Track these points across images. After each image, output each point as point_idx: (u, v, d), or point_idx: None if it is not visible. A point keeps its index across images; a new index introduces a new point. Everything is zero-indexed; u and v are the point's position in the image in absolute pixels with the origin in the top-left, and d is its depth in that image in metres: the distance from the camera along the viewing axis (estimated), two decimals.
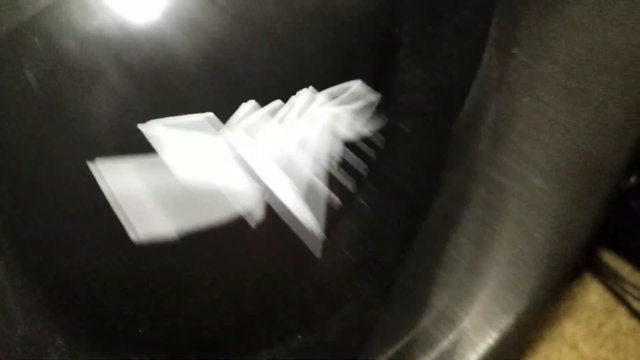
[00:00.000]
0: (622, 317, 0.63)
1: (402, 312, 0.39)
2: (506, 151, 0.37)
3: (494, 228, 0.38)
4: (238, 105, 0.30)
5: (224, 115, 0.30)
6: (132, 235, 0.29)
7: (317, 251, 0.32)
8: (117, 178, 0.29)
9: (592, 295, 0.66)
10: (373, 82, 0.34)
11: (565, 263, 0.38)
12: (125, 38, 0.28)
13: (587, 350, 0.63)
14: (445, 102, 0.36)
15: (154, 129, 0.29)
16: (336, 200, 0.32)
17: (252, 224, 0.30)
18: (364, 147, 0.36)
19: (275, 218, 0.31)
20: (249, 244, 0.31)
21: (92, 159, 0.29)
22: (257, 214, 0.30)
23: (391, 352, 0.39)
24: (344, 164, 0.34)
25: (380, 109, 0.36)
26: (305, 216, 0.31)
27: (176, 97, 0.29)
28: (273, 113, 0.31)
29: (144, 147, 0.29)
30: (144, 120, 0.29)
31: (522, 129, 0.36)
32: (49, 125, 0.28)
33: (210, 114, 0.29)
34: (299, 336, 0.37)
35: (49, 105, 0.28)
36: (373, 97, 0.34)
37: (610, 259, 0.65)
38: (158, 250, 0.29)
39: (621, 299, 0.64)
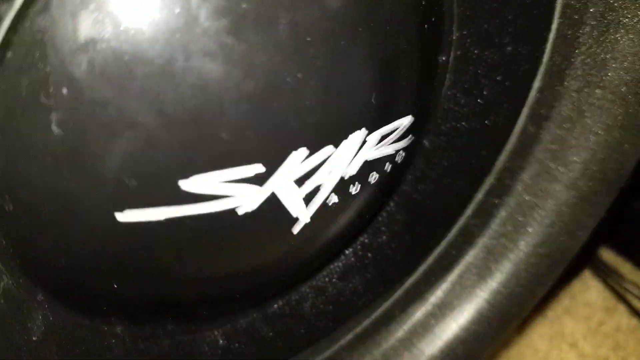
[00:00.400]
0: (622, 316, 0.64)
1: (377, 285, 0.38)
2: (550, 179, 0.35)
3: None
4: (287, 153, 0.27)
5: (273, 165, 0.27)
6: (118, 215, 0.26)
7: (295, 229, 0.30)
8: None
9: (592, 293, 0.66)
10: (420, 113, 0.32)
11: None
12: (165, 83, 0.24)
13: (587, 349, 0.63)
14: (491, 130, 0.34)
15: (196, 184, 0.26)
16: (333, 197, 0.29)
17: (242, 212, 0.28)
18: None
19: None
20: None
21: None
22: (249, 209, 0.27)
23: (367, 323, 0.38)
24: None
25: (425, 138, 0.34)
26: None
27: (219, 145, 0.26)
28: (325, 160, 0.28)
29: (182, 202, 0.26)
30: (185, 176, 0.26)
31: (569, 158, 0.34)
32: (75, 180, 0.25)
33: (259, 166, 0.26)
34: (275, 305, 0.37)
35: (77, 160, 0.24)
36: (406, 119, 0.31)
37: (610, 257, 0.65)
38: (148, 238, 0.27)
39: (621, 298, 0.64)
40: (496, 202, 0.35)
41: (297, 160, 0.27)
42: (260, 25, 0.24)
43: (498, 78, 0.33)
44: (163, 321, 0.34)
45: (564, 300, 0.66)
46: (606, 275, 0.64)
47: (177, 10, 0.23)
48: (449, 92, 0.33)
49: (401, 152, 0.31)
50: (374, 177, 0.30)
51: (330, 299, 0.37)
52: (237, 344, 0.37)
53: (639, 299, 0.63)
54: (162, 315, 0.34)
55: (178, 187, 0.25)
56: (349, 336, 0.39)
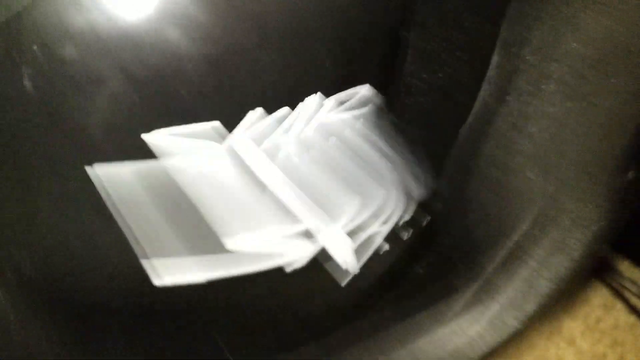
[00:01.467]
0: (620, 313, 0.64)
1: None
2: (512, 152, 0.36)
3: (494, 227, 0.38)
4: (244, 112, 0.29)
5: (231, 122, 0.29)
6: (155, 280, 0.27)
7: (343, 281, 0.31)
8: (116, 184, 0.28)
9: (590, 290, 0.66)
10: (380, 86, 0.33)
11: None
12: (127, 43, 0.26)
13: (585, 346, 0.63)
14: (453, 105, 0.36)
15: (158, 138, 0.28)
16: (385, 245, 0.31)
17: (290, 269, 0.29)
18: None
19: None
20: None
21: (90, 164, 0.28)
22: (298, 266, 0.29)
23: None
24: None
25: (387, 113, 0.35)
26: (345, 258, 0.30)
27: (180, 104, 0.28)
28: (280, 120, 0.30)
29: (146, 156, 0.28)
30: (146, 128, 0.28)
31: (531, 132, 0.36)
32: (47, 131, 0.27)
33: (217, 123, 0.28)
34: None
35: (47, 111, 0.27)
36: (380, 100, 0.33)
37: (609, 255, 0.65)
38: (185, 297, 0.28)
39: (619, 295, 0.64)
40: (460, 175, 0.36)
41: (254, 119, 0.29)
42: None
43: (457, 53, 0.34)
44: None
45: (562, 298, 0.65)
46: (604, 273, 0.64)
47: None
48: (411, 68, 0.35)
49: (361, 119, 0.33)
50: (332, 141, 0.32)
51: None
52: None
53: (637, 297, 0.63)
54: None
55: (141, 140, 0.28)
56: None
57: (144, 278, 0.26)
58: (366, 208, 0.29)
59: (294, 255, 0.28)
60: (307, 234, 0.28)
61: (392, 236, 0.32)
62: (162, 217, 0.27)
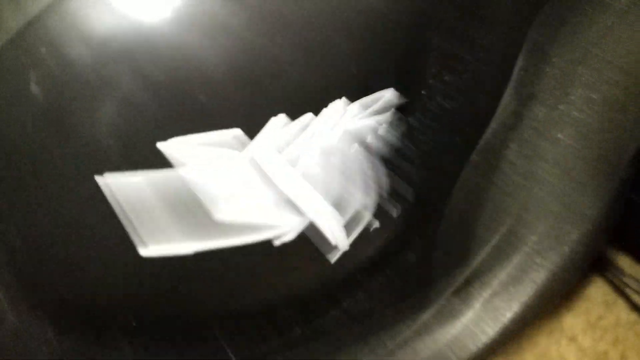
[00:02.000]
0: (622, 310, 0.63)
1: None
2: (536, 159, 0.35)
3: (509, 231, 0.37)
4: (267, 119, 0.27)
5: (252, 129, 0.27)
6: (141, 250, 0.26)
7: (332, 258, 0.30)
8: (126, 192, 0.26)
9: (591, 287, 0.65)
10: (403, 88, 0.32)
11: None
12: (143, 45, 0.25)
13: (586, 343, 0.63)
14: (476, 109, 0.34)
15: (174, 147, 0.26)
16: (375, 222, 0.29)
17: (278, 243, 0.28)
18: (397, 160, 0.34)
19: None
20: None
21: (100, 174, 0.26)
22: (287, 239, 0.28)
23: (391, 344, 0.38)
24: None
25: (409, 116, 0.34)
26: (334, 233, 0.29)
27: (199, 109, 0.26)
28: (304, 127, 0.28)
29: (161, 166, 0.27)
30: (162, 136, 0.26)
31: (556, 138, 0.34)
32: (55, 141, 0.25)
33: (238, 131, 0.27)
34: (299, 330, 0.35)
35: (56, 119, 0.25)
36: (404, 104, 0.31)
37: (610, 251, 0.65)
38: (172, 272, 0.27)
39: (621, 292, 0.64)
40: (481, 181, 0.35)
41: (277, 126, 0.27)
42: None
43: (481, 55, 0.33)
44: (174, 341, 0.33)
45: (560, 290, 0.65)
46: (606, 270, 0.64)
47: None
48: (434, 70, 0.33)
49: (384, 125, 0.31)
50: (354, 148, 0.31)
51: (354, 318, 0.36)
52: None
53: (639, 294, 0.62)
54: (172, 333, 0.33)
55: (156, 149, 0.26)
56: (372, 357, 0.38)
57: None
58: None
59: (283, 228, 0.28)
60: (296, 209, 0.28)
61: (382, 215, 0.32)
62: (166, 211, 0.26)
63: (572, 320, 0.63)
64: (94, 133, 0.25)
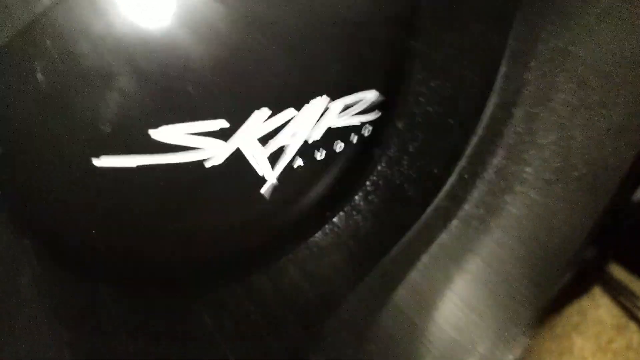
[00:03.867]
0: (633, 334, 0.63)
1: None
2: (520, 162, 0.37)
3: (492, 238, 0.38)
4: (250, 112, 0.29)
5: (237, 122, 0.29)
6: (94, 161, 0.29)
7: (266, 192, 0.32)
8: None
9: (602, 311, 0.65)
10: (387, 93, 0.34)
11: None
12: (138, 41, 0.27)
13: None
14: (460, 114, 0.36)
15: (164, 135, 0.28)
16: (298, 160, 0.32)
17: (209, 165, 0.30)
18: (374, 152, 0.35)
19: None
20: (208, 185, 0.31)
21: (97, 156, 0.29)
22: (215, 162, 0.30)
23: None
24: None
25: (393, 120, 0.36)
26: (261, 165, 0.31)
27: (188, 102, 0.28)
28: (286, 121, 0.30)
29: (152, 152, 0.29)
30: (155, 126, 0.28)
31: (538, 141, 0.36)
32: (57, 125, 0.28)
33: (222, 121, 0.29)
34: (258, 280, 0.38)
35: (58, 106, 0.28)
36: (387, 107, 0.33)
37: (622, 275, 0.64)
38: (123, 186, 0.30)
39: (632, 315, 0.63)
40: (468, 185, 0.36)
41: (260, 120, 0.30)
42: None
43: (465, 62, 0.35)
44: (145, 285, 0.36)
45: (574, 318, 0.65)
46: (617, 293, 0.63)
47: None
48: (419, 76, 0.35)
49: (367, 125, 0.33)
50: (339, 146, 0.32)
51: (309, 276, 0.38)
52: (223, 320, 0.38)
53: None
54: (143, 277, 0.36)
55: (148, 136, 0.28)
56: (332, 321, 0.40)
57: None
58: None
59: (211, 151, 0.29)
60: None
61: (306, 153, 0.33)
62: None
63: (583, 343, 0.62)
64: (92, 119, 0.28)
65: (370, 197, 0.38)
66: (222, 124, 0.29)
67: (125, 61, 0.27)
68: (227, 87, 0.29)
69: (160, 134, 0.28)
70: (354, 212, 0.38)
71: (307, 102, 0.30)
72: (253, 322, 0.39)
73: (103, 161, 0.28)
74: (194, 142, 0.29)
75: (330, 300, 0.40)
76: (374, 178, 0.38)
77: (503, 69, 0.35)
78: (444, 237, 0.38)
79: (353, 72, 0.31)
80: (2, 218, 0.31)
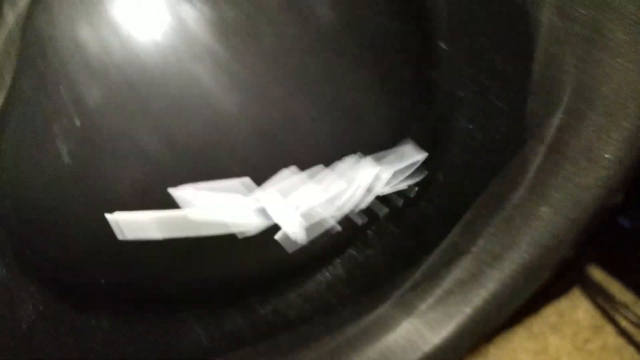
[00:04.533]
0: (609, 335, 0.64)
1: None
2: (540, 201, 0.35)
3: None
4: (276, 169, 0.27)
5: (260, 179, 0.27)
6: (119, 235, 0.27)
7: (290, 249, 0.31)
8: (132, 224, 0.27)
9: (580, 311, 0.66)
10: (419, 139, 0.31)
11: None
12: (162, 99, 0.24)
13: None
14: (490, 157, 0.34)
15: (184, 193, 0.26)
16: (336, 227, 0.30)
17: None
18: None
19: None
20: None
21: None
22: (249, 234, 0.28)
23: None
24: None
25: (439, 171, 0.34)
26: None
27: (212, 159, 0.26)
28: (312, 177, 0.28)
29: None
30: (174, 183, 0.26)
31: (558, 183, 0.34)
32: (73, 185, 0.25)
33: (247, 179, 0.26)
34: (262, 311, 0.37)
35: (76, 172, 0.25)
36: (420, 155, 0.31)
37: (601, 277, 0.66)
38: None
39: (609, 317, 0.64)
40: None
41: (286, 177, 0.27)
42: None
43: (514, 114, 0.32)
44: (147, 316, 0.35)
45: (551, 317, 0.66)
46: (595, 295, 0.64)
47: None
48: (465, 126, 0.33)
49: (414, 187, 0.31)
50: (383, 212, 0.31)
51: (317, 308, 0.37)
52: (220, 345, 0.37)
53: (627, 319, 0.63)
54: (146, 309, 0.34)
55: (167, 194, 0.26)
56: (333, 344, 0.39)
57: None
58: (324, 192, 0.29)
59: (247, 226, 0.28)
60: (262, 211, 0.28)
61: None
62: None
63: (559, 343, 0.64)
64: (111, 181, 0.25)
65: (384, 231, 0.36)
66: (245, 181, 0.27)
67: (144, 118, 0.24)
68: (255, 143, 0.26)
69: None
70: (366, 247, 0.37)
71: (337, 158, 0.28)
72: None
73: (117, 215, 0.26)
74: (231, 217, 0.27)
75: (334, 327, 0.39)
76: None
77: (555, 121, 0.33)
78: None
79: (389, 123, 0.29)
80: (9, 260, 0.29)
